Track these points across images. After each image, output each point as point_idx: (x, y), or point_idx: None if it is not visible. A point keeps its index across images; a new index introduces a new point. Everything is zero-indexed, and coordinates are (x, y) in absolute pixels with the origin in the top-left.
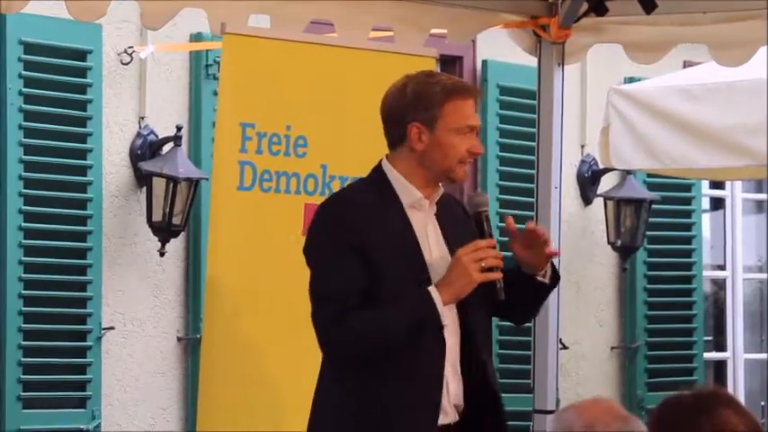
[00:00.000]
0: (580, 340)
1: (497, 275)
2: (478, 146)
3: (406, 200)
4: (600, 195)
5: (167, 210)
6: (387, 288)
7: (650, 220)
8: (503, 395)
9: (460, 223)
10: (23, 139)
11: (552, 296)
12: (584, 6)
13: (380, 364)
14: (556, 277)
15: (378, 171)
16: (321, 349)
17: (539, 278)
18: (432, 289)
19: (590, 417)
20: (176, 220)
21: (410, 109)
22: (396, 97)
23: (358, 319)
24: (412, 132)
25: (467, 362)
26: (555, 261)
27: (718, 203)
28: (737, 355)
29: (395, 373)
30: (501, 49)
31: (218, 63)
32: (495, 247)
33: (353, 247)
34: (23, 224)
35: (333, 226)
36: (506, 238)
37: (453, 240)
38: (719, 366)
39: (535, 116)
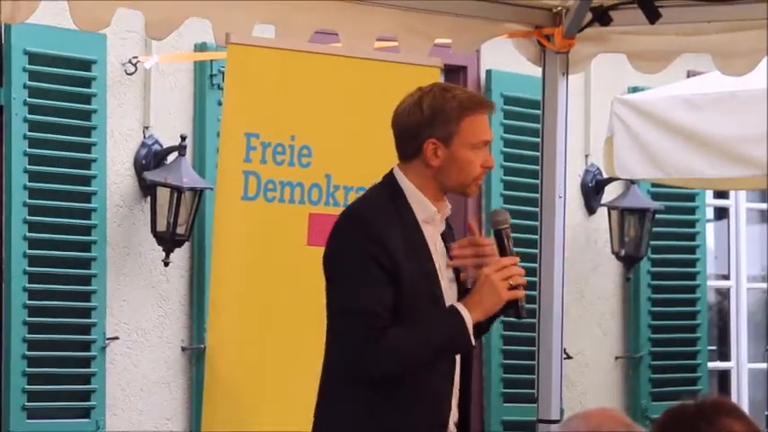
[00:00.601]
0: (584, 350)
1: (522, 293)
2: (491, 160)
3: (420, 214)
4: (604, 205)
5: (172, 219)
6: (407, 304)
7: (654, 229)
8: (508, 405)
9: (450, 238)
10: (28, 149)
11: (556, 306)
12: (589, 16)
13: (392, 382)
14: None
15: (391, 181)
16: (351, 365)
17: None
18: (462, 308)
19: (596, 422)
20: (180, 230)
21: (426, 125)
22: (411, 112)
23: (393, 338)
24: (428, 149)
25: (462, 378)
26: (558, 269)
27: (722, 213)
28: (741, 364)
29: (407, 391)
30: (505, 58)
31: (223, 73)
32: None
33: (380, 262)
34: (28, 234)
35: (360, 239)
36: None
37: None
38: (723, 376)
39: (539, 126)
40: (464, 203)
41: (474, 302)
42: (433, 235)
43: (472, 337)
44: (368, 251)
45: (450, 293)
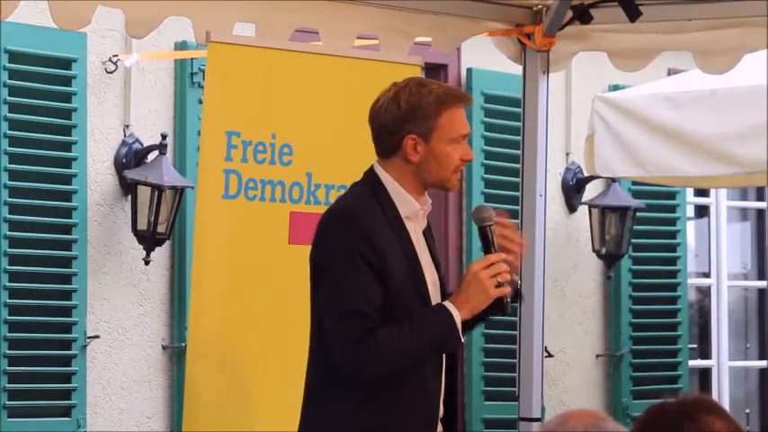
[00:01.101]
0: (565, 348)
1: (508, 290)
2: (470, 152)
3: (403, 210)
4: (585, 203)
5: (152, 218)
6: (395, 303)
7: (635, 227)
8: (489, 403)
9: (429, 235)
10: (8, 148)
11: (537, 304)
12: (569, 14)
13: (383, 381)
14: (517, 296)
15: (373, 178)
16: (341, 366)
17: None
18: (450, 306)
19: (567, 417)
20: (161, 229)
21: (405, 120)
22: (389, 108)
23: (383, 339)
24: (407, 144)
25: (448, 374)
26: (539, 267)
27: (702, 211)
28: (722, 362)
29: (398, 390)
30: (486, 56)
31: (203, 71)
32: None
33: (369, 260)
34: (8, 233)
35: (349, 238)
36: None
37: (433, 253)
38: (704, 374)
39: (520, 124)
40: (445, 201)
41: (462, 300)
42: (415, 231)
43: (461, 335)
44: (357, 250)
45: (433, 290)
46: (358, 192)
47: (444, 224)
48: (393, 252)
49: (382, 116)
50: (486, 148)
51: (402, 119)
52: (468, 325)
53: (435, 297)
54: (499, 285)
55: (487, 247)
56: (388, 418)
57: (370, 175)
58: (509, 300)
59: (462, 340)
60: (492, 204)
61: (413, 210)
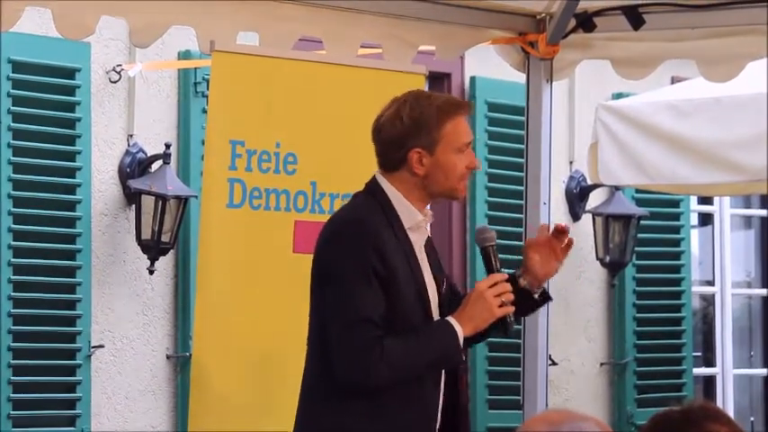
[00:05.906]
0: (569, 356)
1: (511, 309)
2: (475, 160)
3: (406, 221)
4: (588, 211)
5: (156, 228)
6: (400, 313)
7: (639, 235)
8: (493, 411)
9: (430, 247)
10: (12, 158)
11: (541, 312)
12: (573, 22)
13: (385, 391)
14: (545, 297)
15: (376, 189)
16: (345, 374)
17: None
18: (454, 322)
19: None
20: (165, 238)
21: (408, 135)
22: (391, 124)
23: (390, 348)
24: (413, 158)
25: (450, 385)
26: None
27: (706, 219)
28: (726, 370)
29: (399, 400)
30: (489, 65)
31: (207, 81)
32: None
33: (377, 270)
34: (12, 242)
35: (360, 246)
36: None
37: (433, 266)
38: (708, 382)
39: (523, 132)
40: (449, 211)
41: (466, 317)
42: (417, 243)
43: (462, 353)
44: (367, 259)
45: (434, 303)
46: (363, 202)
47: (448, 233)
48: (400, 264)
49: (385, 132)
50: (489, 156)
51: (405, 134)
52: (469, 343)
53: (435, 309)
54: (503, 305)
55: (489, 267)
56: (387, 428)
57: (373, 185)
58: (512, 319)
59: (464, 358)
60: (495, 213)
61: (416, 221)
